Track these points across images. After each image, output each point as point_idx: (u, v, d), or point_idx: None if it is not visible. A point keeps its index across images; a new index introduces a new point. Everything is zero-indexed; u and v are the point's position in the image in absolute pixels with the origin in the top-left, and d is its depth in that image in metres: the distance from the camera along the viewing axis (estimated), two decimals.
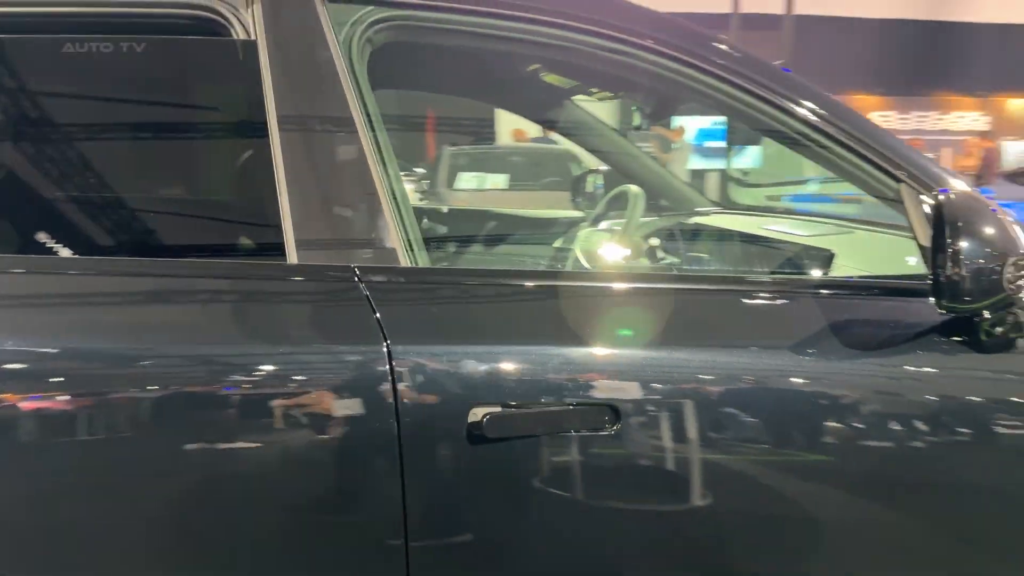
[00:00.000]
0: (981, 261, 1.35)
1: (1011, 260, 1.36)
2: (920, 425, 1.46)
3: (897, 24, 13.04)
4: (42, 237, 1.47)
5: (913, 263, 1.64)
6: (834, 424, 1.43)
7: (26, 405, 1.20)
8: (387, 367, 1.28)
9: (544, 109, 2.73)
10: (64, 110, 1.55)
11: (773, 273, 2.16)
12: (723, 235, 2.56)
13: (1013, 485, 1.50)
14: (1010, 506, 1.51)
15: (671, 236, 2.49)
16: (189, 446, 1.25)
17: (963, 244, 1.35)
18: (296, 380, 1.29)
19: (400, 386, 1.28)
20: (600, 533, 1.39)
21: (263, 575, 1.30)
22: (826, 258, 2.13)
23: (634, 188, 2.40)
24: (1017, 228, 1.38)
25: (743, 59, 1.58)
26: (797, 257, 2.28)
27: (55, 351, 1.25)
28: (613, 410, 1.34)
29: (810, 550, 1.46)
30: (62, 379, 1.23)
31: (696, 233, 2.61)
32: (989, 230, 1.37)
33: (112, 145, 1.58)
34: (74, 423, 1.22)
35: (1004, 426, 1.49)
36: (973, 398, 1.49)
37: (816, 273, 2.08)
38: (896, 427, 1.45)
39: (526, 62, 2.19)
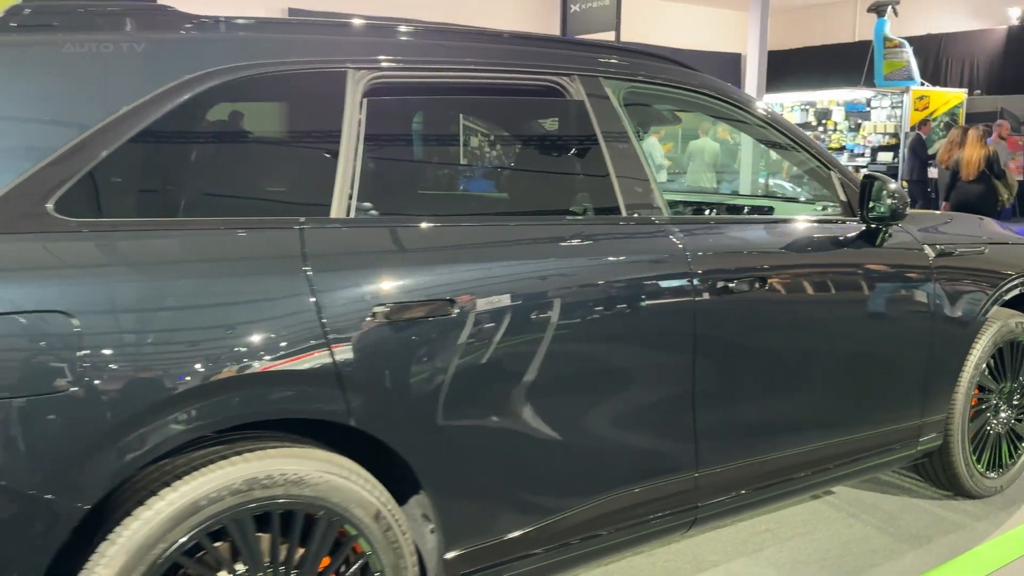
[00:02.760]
0: (892, 203, 2.97)
1: (908, 202, 2.98)
2: (852, 285, 3.06)
3: None
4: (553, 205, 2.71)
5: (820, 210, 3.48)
6: (810, 284, 2.94)
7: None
8: (688, 262, 2.57)
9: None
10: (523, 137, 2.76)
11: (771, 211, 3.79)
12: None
13: (892, 316, 3.18)
14: (888, 325, 3.19)
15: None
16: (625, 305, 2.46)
17: (890, 194, 2.98)
18: (636, 272, 2.50)
19: (694, 272, 2.57)
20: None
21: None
22: (771, 208, 3.80)
23: None
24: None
25: (772, 114, 3.13)
26: (761, 210, 3.98)
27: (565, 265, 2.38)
28: (761, 280, 2.75)
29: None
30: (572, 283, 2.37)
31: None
32: (893, 187, 2.99)
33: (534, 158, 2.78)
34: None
35: (882, 276, 3.15)
36: (872, 262, 3.12)
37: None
38: (835, 285, 3.01)
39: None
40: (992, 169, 8.60)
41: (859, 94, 16.22)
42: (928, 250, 3.28)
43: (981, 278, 3.47)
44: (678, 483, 2.64)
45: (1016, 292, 3.61)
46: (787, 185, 12.87)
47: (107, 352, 1.72)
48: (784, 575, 3.04)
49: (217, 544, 1.88)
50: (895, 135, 15.34)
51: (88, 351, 1.70)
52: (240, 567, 1.90)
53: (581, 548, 2.48)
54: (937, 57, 18.46)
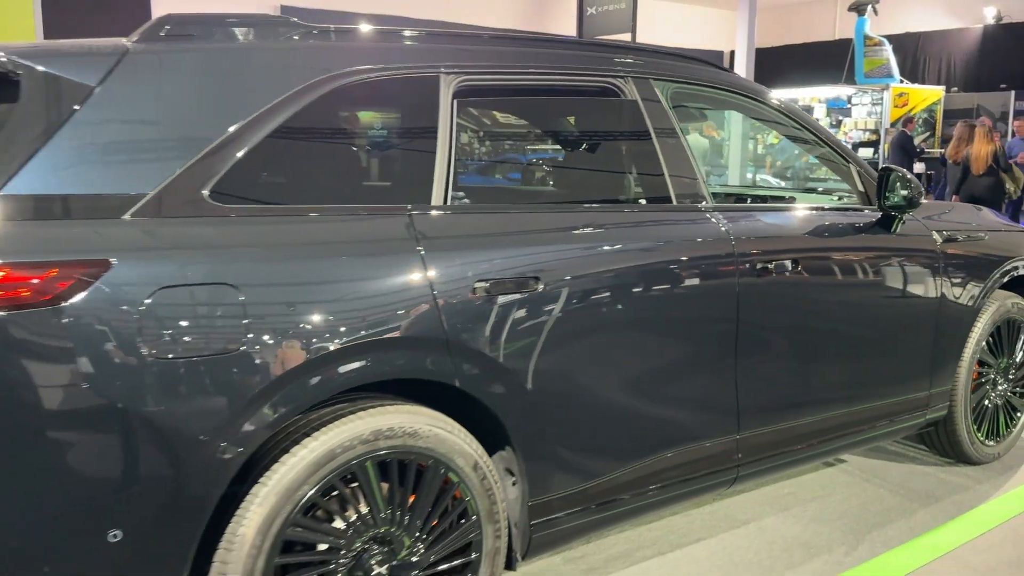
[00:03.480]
0: (907, 192, 3.27)
1: (922, 191, 3.26)
2: (873, 268, 3.36)
3: None
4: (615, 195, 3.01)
5: (836, 200, 3.81)
6: (835, 266, 3.24)
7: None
8: (732, 244, 2.87)
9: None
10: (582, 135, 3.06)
11: (794, 200, 4.06)
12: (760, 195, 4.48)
13: (907, 295, 3.49)
14: (904, 304, 3.52)
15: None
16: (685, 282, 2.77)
17: (905, 184, 3.27)
18: (689, 254, 2.81)
19: (736, 251, 2.87)
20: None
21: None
22: (793, 199, 4.06)
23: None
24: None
25: (793, 108, 3.40)
26: (787, 199, 4.27)
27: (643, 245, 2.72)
28: (794, 262, 3.05)
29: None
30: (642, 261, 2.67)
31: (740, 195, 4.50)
32: (909, 178, 3.28)
33: (591, 154, 3.07)
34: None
35: (897, 260, 3.45)
36: (888, 247, 3.43)
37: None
38: (857, 267, 3.31)
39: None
40: (999, 163, 9.10)
41: (840, 91, 16.64)
42: (936, 236, 3.60)
43: (983, 262, 3.80)
44: (723, 444, 2.95)
45: (1012, 275, 3.94)
46: (772, 179, 13.28)
47: (267, 319, 2.00)
48: (811, 530, 3.36)
49: (347, 489, 2.16)
50: (875, 131, 15.74)
51: (252, 319, 1.98)
52: (363, 508, 2.18)
53: (639, 501, 2.77)
54: (915, 55, 18.94)
